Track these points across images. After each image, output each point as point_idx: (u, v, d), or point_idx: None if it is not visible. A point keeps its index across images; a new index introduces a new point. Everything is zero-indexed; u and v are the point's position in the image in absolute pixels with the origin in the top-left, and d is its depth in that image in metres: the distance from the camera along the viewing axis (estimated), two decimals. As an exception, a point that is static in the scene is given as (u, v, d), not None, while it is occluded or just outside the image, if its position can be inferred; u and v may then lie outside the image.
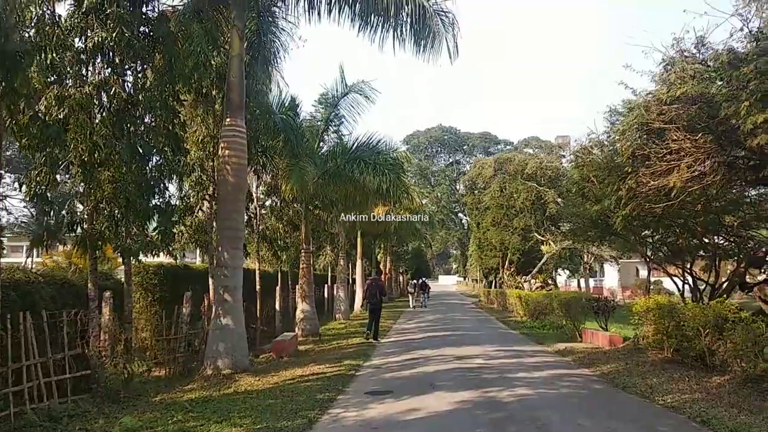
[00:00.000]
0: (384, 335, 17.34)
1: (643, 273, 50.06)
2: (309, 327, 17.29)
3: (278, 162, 16.30)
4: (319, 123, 19.56)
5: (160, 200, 9.72)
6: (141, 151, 9.07)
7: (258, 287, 18.22)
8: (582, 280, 46.09)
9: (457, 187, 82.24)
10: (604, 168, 11.10)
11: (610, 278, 51.18)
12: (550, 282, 30.35)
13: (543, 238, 28.46)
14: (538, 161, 29.51)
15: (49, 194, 8.26)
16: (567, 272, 45.60)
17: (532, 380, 9.12)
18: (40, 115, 7.59)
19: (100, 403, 7.52)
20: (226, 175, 10.61)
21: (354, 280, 32.11)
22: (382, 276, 43.83)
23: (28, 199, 8.91)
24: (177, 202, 12.40)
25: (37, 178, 7.88)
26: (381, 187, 20.38)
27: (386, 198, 24.28)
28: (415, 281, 38.42)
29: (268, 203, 19.73)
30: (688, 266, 12.95)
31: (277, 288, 18.85)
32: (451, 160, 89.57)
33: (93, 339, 8.14)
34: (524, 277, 29.27)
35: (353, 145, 18.26)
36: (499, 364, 10.85)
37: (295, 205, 18.86)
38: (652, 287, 37.22)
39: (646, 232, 13.49)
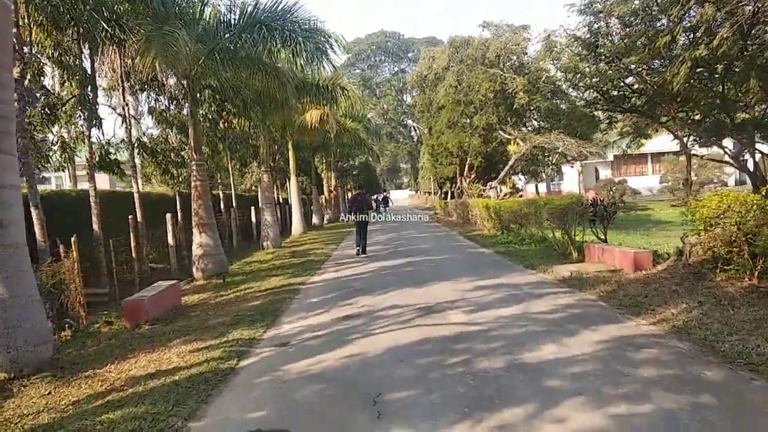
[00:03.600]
0: (319, 267, 12.82)
1: (603, 173, 47.75)
2: (212, 266, 12.45)
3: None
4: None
5: None
6: None
7: (139, 216, 13.13)
8: (540, 185, 42.83)
9: (404, 97, 78.04)
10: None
11: (569, 181, 48.30)
12: (522, 188, 26.30)
13: (510, 137, 23.92)
14: (501, 43, 24.26)
15: None
16: (522, 177, 42.09)
17: (581, 366, 4.66)
18: None
19: None
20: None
21: (287, 200, 27.12)
22: (328, 193, 39.15)
23: None
24: None
25: None
26: (298, 71, 15.16)
27: (315, 95, 19.24)
28: (376, 196, 35.08)
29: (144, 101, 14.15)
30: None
31: (168, 216, 13.72)
32: (396, 70, 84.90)
33: None
34: (490, 183, 24.96)
35: (254, 8, 12.59)
36: (494, 319, 6.39)
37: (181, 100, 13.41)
38: (615, 188, 34.10)
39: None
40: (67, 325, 8.17)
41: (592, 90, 13.68)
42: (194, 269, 12.54)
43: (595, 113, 15.24)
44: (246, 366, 5.39)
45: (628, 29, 11.65)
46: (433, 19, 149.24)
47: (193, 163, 12.75)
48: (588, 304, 7.00)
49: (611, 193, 29.57)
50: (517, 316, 6.50)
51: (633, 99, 12.97)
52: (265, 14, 11.97)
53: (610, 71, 12.24)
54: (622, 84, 12.97)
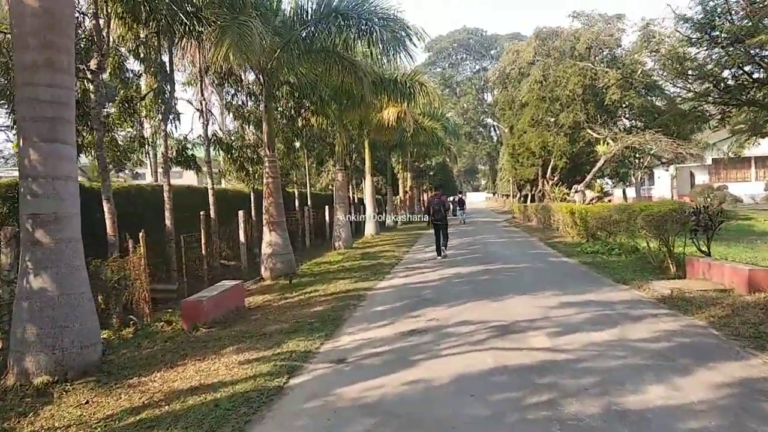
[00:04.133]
0: (388, 271, 12.22)
1: (700, 178, 43.89)
2: (280, 266, 12.18)
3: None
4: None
5: None
6: None
7: (212, 212, 13.11)
8: (629, 190, 40.01)
9: (485, 96, 76.17)
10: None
11: (661, 186, 44.82)
12: (610, 192, 24.43)
13: (599, 135, 22.16)
14: (593, 33, 22.48)
15: None
16: (609, 181, 39.38)
17: (701, 420, 3.66)
18: None
19: None
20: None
21: (362, 200, 26.77)
22: (403, 194, 38.62)
23: None
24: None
25: None
26: (375, 64, 14.61)
27: (393, 92, 18.65)
28: (453, 197, 34.22)
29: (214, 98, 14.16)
30: None
31: (240, 213, 13.63)
32: (477, 68, 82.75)
33: None
34: (575, 187, 23.27)
35: (330, -3, 12.15)
36: (584, 346, 5.43)
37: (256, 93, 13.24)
38: (713, 194, 31.06)
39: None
40: (131, 322, 8.08)
41: (703, 80, 12.04)
42: (263, 268, 12.33)
43: (706, 107, 13.56)
44: (295, 386, 4.82)
45: (752, 5, 10.04)
46: (519, 14, 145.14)
47: (265, 159, 12.54)
48: (698, 332, 5.86)
49: (708, 200, 26.92)
50: (611, 343, 5.50)
51: (753, 90, 11.31)
52: (343, 3, 11.53)
53: (728, 57, 10.66)
54: (741, 72, 11.32)
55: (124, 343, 6.91)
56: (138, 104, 11.32)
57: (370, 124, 22.81)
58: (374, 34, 10.86)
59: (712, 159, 40.26)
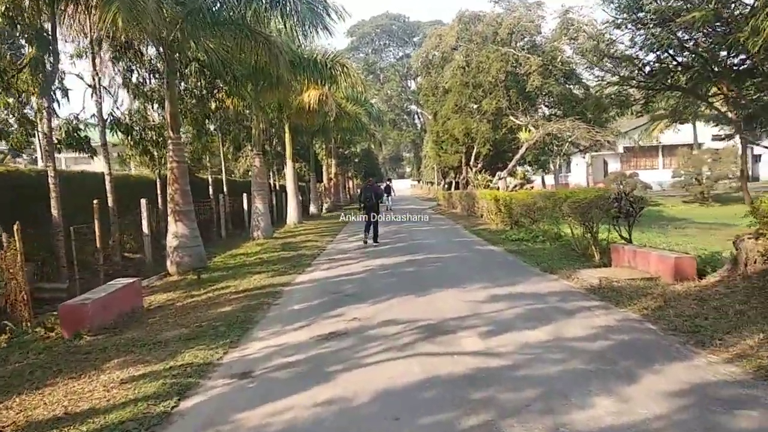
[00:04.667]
0: (309, 263, 11.41)
1: (613, 166, 46.06)
2: (188, 259, 11.04)
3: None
4: None
5: None
6: None
7: (110, 200, 11.73)
8: (548, 177, 41.23)
9: (408, 83, 76.36)
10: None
11: (577, 174, 46.63)
12: (532, 179, 24.76)
13: (521, 122, 22.27)
14: (515, 18, 22.48)
15: None
16: (529, 168, 40.47)
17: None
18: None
19: None
20: None
21: (284, 187, 25.63)
22: (327, 181, 37.68)
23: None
24: None
25: None
26: (293, 42, 13.67)
27: (313, 73, 17.69)
28: (380, 185, 33.65)
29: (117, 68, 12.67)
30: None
31: (143, 202, 12.27)
32: (401, 54, 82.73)
33: None
34: (498, 173, 23.35)
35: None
36: (519, 348, 4.92)
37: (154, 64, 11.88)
38: (626, 181, 32.50)
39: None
40: (7, 328, 6.83)
41: (627, 64, 12.05)
42: (168, 262, 11.14)
43: (631, 92, 13.73)
44: (186, 411, 3.97)
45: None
46: (442, 2, 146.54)
47: (169, 141, 11.29)
48: (634, 327, 5.54)
49: (622, 186, 28.05)
50: (548, 343, 5.04)
51: (677, 74, 11.45)
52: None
53: (653, 38, 10.63)
54: (666, 55, 11.39)
55: (-7, 355, 5.76)
56: (14, 77, 9.77)
57: (291, 108, 21.73)
58: (288, 5, 9.89)
59: (624, 147, 42.29)
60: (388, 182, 35.53)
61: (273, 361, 4.98)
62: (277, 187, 30.45)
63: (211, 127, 19.49)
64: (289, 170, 23.78)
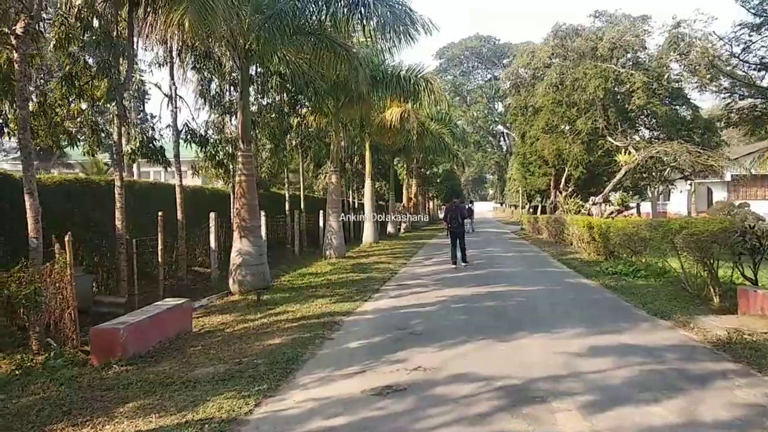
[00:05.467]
0: (378, 288, 10.46)
1: (718, 195, 41.76)
2: (250, 278, 10.42)
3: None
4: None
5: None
6: None
7: (179, 213, 11.41)
8: (644, 204, 37.95)
9: (495, 105, 74.68)
10: None
11: (677, 202, 42.80)
12: (631, 206, 22.51)
13: (621, 144, 20.24)
14: (618, 32, 20.58)
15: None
16: (624, 194, 37.42)
17: None
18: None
19: None
20: None
21: (362, 206, 25.02)
22: (407, 200, 36.85)
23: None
24: None
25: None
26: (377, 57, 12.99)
27: (395, 88, 17.04)
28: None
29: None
30: None
31: (212, 215, 11.86)
32: (489, 77, 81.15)
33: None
34: (591, 198, 21.36)
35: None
36: (637, 433, 3.62)
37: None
38: (735, 212, 29.02)
39: None
40: (50, 346, 6.38)
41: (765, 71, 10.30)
42: (230, 281, 10.57)
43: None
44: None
45: None
46: (533, 24, 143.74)
47: (239, 153, 10.82)
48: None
49: (730, 217, 24.97)
50: (680, 430, 3.66)
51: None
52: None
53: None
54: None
55: (16, 380, 5.22)
56: (88, 83, 9.64)
57: (372, 125, 21.28)
58: (368, 6, 9.10)
59: (731, 175, 38.15)
60: (470, 204, 34.22)
61: (310, 424, 3.95)
62: (356, 205, 30.01)
63: (293, 143, 19.30)
64: (367, 188, 23.21)
